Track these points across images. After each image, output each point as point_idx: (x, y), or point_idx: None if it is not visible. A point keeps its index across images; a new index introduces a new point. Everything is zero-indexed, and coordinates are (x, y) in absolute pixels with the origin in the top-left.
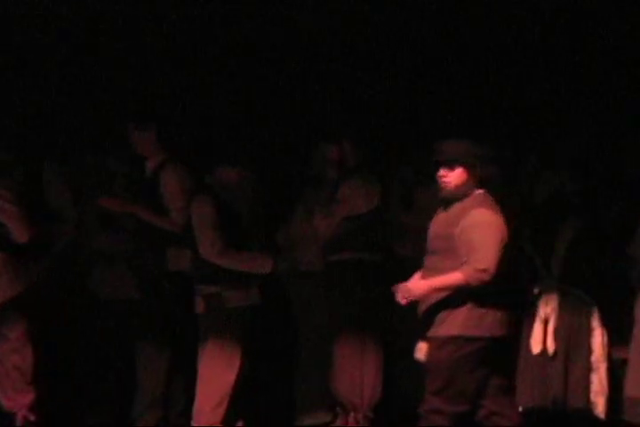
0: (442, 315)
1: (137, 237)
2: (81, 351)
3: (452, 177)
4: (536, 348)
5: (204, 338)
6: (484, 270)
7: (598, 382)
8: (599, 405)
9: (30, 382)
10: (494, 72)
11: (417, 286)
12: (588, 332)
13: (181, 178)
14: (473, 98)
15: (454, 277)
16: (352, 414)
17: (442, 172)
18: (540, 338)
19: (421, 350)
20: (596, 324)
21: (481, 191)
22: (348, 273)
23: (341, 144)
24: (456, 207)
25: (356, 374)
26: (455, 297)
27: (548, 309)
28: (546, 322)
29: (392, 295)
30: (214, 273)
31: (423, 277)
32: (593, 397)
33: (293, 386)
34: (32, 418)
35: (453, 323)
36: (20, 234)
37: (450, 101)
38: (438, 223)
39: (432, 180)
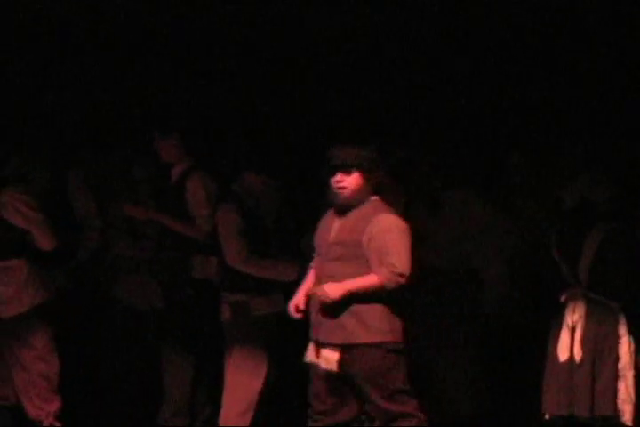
0: (350, 322)
1: (161, 245)
2: (104, 359)
3: (349, 182)
4: (563, 355)
5: (230, 346)
6: (401, 274)
7: (625, 389)
8: (626, 412)
9: (56, 389)
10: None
11: (332, 288)
12: (615, 339)
13: (206, 185)
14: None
15: (370, 280)
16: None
17: (338, 177)
18: (567, 346)
19: (329, 359)
20: (623, 331)
21: (376, 198)
22: None
23: None
24: (355, 214)
25: None
26: (364, 303)
27: (575, 316)
28: (573, 330)
29: (412, 303)
30: (240, 281)
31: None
32: (620, 404)
33: None
34: (58, 426)
35: (371, 330)
36: (45, 242)
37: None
38: (339, 230)
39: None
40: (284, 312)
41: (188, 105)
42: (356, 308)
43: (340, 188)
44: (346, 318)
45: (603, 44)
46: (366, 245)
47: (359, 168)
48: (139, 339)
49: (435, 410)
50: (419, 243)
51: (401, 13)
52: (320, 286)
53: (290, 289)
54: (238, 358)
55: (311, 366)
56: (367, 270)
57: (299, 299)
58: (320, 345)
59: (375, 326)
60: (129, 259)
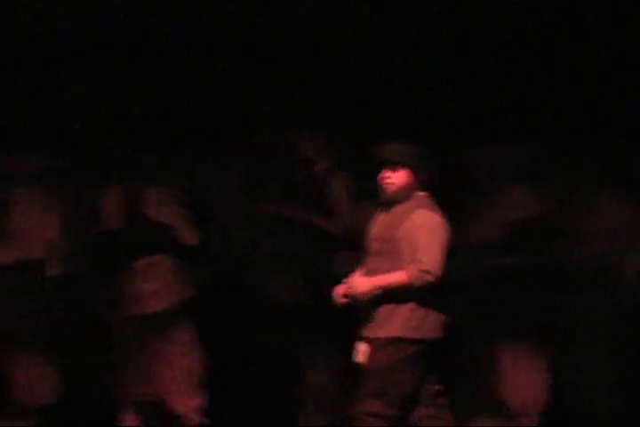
0: (382, 316)
1: (307, 241)
2: (250, 355)
3: (395, 179)
4: None
5: None
6: (428, 272)
7: None
8: None
9: (200, 385)
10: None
11: (360, 282)
12: None
13: (349, 183)
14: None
15: (398, 277)
16: (521, 418)
17: (385, 173)
18: None
19: (361, 352)
20: None
21: (422, 193)
22: (506, 279)
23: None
24: (397, 210)
25: (523, 380)
26: (396, 298)
27: None
28: None
29: (553, 301)
30: None
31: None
32: None
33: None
34: (201, 422)
35: (394, 324)
36: (189, 237)
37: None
38: (379, 225)
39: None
40: None
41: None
42: (387, 302)
43: (386, 184)
44: (377, 312)
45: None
46: (401, 241)
47: (406, 165)
48: (285, 335)
49: (572, 408)
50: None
51: (400, 14)
52: (351, 280)
53: None
54: None
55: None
56: (400, 264)
57: (341, 287)
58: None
59: (399, 321)
60: (275, 254)
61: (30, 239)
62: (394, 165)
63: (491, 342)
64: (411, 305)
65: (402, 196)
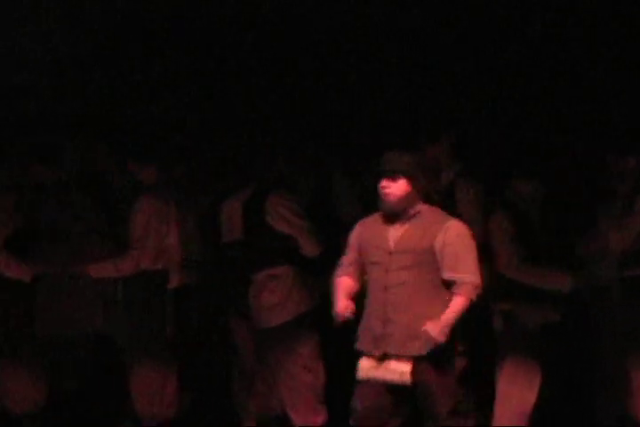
0: (418, 331)
1: None
2: None
3: (395, 189)
4: None
5: (502, 355)
6: (479, 286)
7: None
8: None
9: (322, 400)
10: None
11: (436, 331)
12: None
13: (477, 191)
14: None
15: (460, 304)
16: None
17: (384, 182)
18: None
19: (403, 372)
20: None
21: (428, 206)
22: None
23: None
24: (420, 221)
25: None
26: (428, 312)
27: None
28: None
29: None
30: (511, 289)
31: (393, 294)
32: None
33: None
34: None
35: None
36: (310, 248)
37: None
38: (400, 238)
39: None
40: (556, 323)
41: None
42: (428, 317)
43: (385, 194)
44: (420, 329)
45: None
46: (439, 252)
47: (405, 174)
48: None
49: None
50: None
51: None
52: (423, 330)
53: (560, 299)
54: (510, 368)
55: (366, 383)
56: (437, 276)
57: (346, 303)
58: (384, 358)
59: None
60: None
61: (150, 250)
62: (392, 175)
63: (624, 356)
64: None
65: (402, 207)
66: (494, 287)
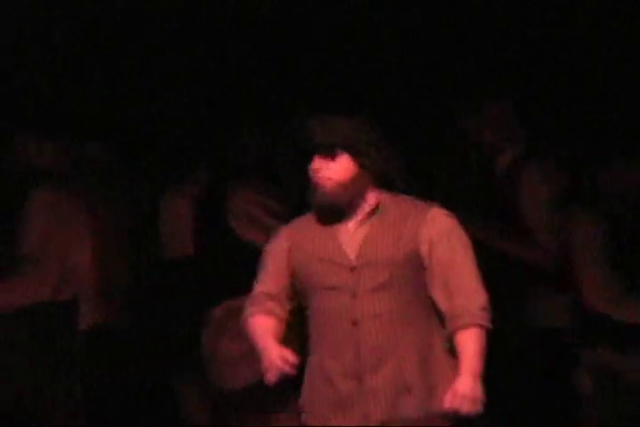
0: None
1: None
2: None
3: (333, 170)
4: None
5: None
6: (489, 310)
7: None
8: None
9: None
10: None
11: (473, 394)
12: None
13: (549, 178)
14: None
15: (478, 342)
16: None
17: (315, 163)
18: None
19: None
20: None
21: (390, 193)
22: None
23: None
24: (387, 217)
25: None
26: (426, 353)
27: None
28: None
29: None
30: (605, 331)
31: (366, 331)
32: None
33: None
34: None
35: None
36: None
37: None
38: (364, 245)
39: None
40: None
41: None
42: (428, 363)
43: (319, 179)
44: (413, 380)
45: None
46: (427, 256)
47: (346, 147)
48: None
49: None
50: None
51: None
52: (454, 398)
53: None
54: None
55: None
56: (425, 293)
57: (281, 351)
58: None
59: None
60: None
61: (50, 271)
62: (327, 150)
63: None
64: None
65: (347, 196)
66: (577, 328)
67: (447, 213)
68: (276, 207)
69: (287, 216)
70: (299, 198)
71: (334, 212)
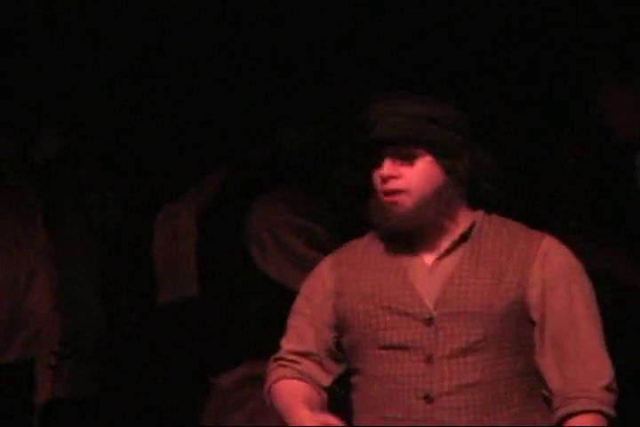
0: None
1: None
2: None
3: (413, 179)
4: None
5: None
6: (614, 385)
7: None
8: None
9: None
10: None
11: None
12: None
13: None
14: None
15: None
16: None
17: (386, 168)
18: None
19: None
20: None
21: (485, 214)
22: None
23: None
24: (487, 246)
25: None
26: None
27: None
28: None
29: None
30: None
31: (447, 412)
32: None
33: None
34: None
35: None
36: None
37: None
38: (460, 286)
39: None
40: None
41: None
42: None
43: (393, 192)
44: None
45: None
46: (538, 305)
47: (431, 147)
48: None
49: None
50: None
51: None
52: None
53: None
54: None
55: None
56: (529, 359)
57: (320, 416)
58: None
59: None
60: None
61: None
62: (408, 152)
63: None
64: None
65: (430, 216)
66: None
67: (563, 245)
68: (318, 232)
69: (334, 245)
70: (352, 218)
71: (409, 238)
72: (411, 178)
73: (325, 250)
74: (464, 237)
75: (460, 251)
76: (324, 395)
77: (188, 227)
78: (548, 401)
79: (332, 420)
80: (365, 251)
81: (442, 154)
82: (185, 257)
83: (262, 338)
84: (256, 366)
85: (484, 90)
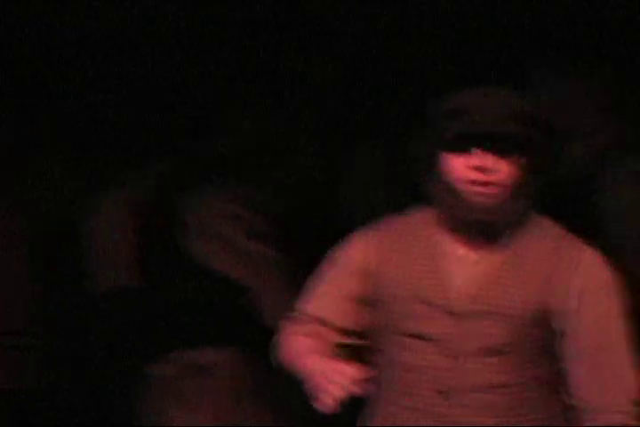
0: None
1: None
2: None
3: (503, 177)
4: None
5: None
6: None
7: None
8: None
9: None
10: None
11: None
12: None
13: None
14: None
15: None
16: None
17: (481, 159)
18: None
19: None
20: None
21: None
22: None
23: None
24: (528, 247)
25: None
26: None
27: None
28: None
29: None
30: None
31: (463, 411)
32: None
33: None
34: None
35: None
36: (275, 309)
37: None
38: (494, 284)
39: None
40: None
41: None
42: None
43: (482, 186)
44: None
45: None
46: (573, 316)
47: (523, 149)
48: None
49: None
50: None
51: None
52: None
53: None
54: None
55: None
56: (552, 368)
57: (341, 366)
58: None
59: None
60: None
61: None
62: (505, 149)
63: None
64: None
65: (510, 214)
66: None
67: (604, 258)
68: (258, 222)
69: (274, 236)
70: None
71: (475, 230)
72: (504, 172)
73: (266, 241)
74: (510, 235)
75: (504, 250)
76: (336, 350)
77: (124, 217)
78: (568, 410)
79: (356, 368)
80: (405, 233)
81: (531, 152)
82: (120, 247)
83: (199, 326)
84: (193, 355)
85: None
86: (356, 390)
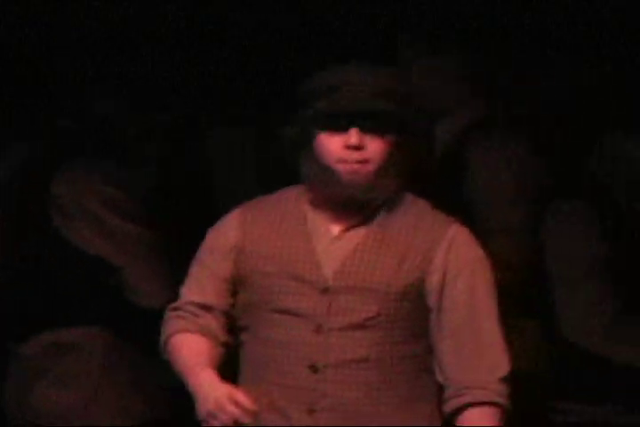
0: None
1: None
2: None
3: (375, 151)
4: None
5: None
6: (509, 379)
7: None
8: None
9: None
10: None
11: None
12: None
13: (518, 159)
14: None
15: (493, 425)
16: None
17: (354, 136)
18: None
19: None
20: None
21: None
22: None
23: None
24: (394, 223)
25: None
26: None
27: None
28: None
29: None
30: (594, 376)
31: (331, 385)
32: None
33: None
34: None
35: None
36: (148, 289)
37: None
38: (362, 260)
39: None
40: None
41: None
42: None
43: (356, 161)
44: None
45: None
46: (436, 292)
47: (391, 124)
48: None
49: None
50: None
51: None
52: None
53: None
54: None
55: None
56: (422, 343)
57: (233, 393)
58: None
59: None
60: None
61: None
62: (375, 124)
63: None
64: None
65: (380, 191)
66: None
67: (470, 233)
68: (125, 200)
69: (141, 215)
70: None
71: (345, 207)
72: (376, 150)
73: (133, 219)
74: (375, 212)
75: (368, 225)
76: (222, 350)
77: None
78: (439, 387)
79: (244, 397)
80: (275, 210)
81: (403, 130)
82: None
83: (65, 305)
84: (59, 334)
85: None
86: (247, 420)
